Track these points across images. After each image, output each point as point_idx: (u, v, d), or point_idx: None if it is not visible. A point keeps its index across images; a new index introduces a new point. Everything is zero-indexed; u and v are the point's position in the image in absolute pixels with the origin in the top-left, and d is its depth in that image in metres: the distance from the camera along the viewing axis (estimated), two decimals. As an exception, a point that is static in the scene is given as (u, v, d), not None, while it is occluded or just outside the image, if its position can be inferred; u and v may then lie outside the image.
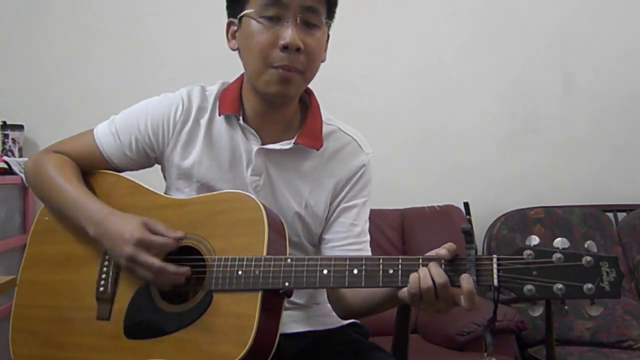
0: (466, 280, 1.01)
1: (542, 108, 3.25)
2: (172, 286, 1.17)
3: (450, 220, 2.86)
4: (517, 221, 2.96)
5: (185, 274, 1.15)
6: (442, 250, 1.05)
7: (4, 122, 2.79)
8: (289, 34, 1.17)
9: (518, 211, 3.01)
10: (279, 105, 1.28)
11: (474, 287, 1.02)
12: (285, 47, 1.17)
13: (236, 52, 1.30)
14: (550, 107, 3.26)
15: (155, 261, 1.14)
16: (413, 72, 3.15)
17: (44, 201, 1.34)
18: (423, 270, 1.04)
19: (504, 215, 3.02)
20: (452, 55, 3.18)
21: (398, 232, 2.91)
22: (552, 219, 2.97)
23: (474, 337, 2.39)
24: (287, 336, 1.28)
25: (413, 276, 1.04)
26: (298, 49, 1.18)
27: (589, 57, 3.27)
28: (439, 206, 2.98)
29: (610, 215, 3.11)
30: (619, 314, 2.68)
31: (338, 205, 1.34)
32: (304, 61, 1.20)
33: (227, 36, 1.29)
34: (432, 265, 1.04)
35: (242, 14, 1.22)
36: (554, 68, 3.26)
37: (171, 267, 1.14)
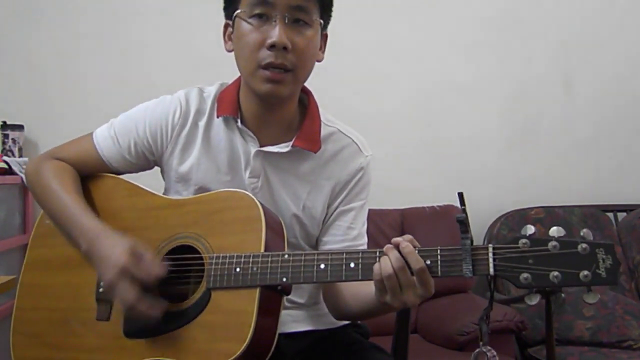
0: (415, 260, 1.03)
1: (542, 109, 3.26)
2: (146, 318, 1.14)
3: (450, 220, 2.85)
4: (517, 221, 2.96)
5: (157, 316, 1.13)
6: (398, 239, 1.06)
7: (4, 122, 2.79)
8: (275, 32, 1.17)
9: (518, 211, 3.01)
10: (275, 106, 1.28)
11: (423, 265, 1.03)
12: (272, 46, 1.18)
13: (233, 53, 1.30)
14: (551, 108, 3.26)
15: (132, 294, 1.11)
16: (414, 73, 3.16)
17: (43, 209, 1.34)
18: (384, 259, 1.04)
19: (504, 215, 3.02)
20: (452, 57, 3.19)
21: (398, 232, 2.91)
22: (552, 219, 2.97)
23: (474, 337, 2.39)
24: (287, 335, 1.28)
25: (375, 266, 1.05)
26: (285, 48, 1.18)
27: (588, 58, 3.28)
28: (439, 206, 2.98)
29: (610, 215, 3.12)
30: (619, 314, 2.68)
31: (336, 208, 1.33)
32: (293, 60, 1.20)
33: (224, 38, 1.30)
34: (389, 250, 1.04)
35: (234, 14, 1.23)
36: (554, 69, 3.27)
37: (144, 305, 1.12)
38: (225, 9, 1.29)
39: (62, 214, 1.26)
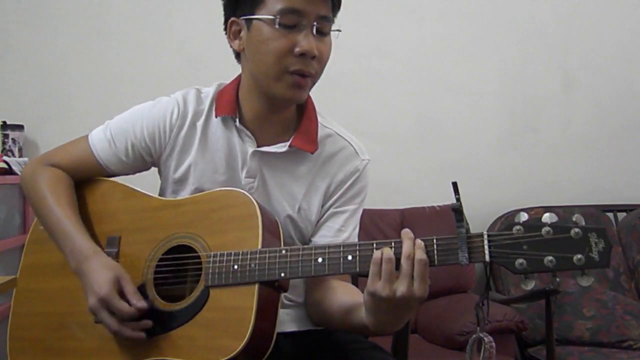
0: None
1: (542, 108, 3.26)
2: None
3: (450, 220, 2.84)
4: (517, 221, 2.95)
5: (139, 339, 1.15)
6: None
7: (4, 122, 2.79)
8: (307, 42, 1.19)
9: (518, 211, 2.99)
10: (282, 108, 1.29)
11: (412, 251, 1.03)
12: (301, 54, 1.19)
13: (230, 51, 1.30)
14: (550, 107, 3.26)
15: (113, 323, 1.14)
16: (412, 71, 3.16)
17: (37, 218, 1.35)
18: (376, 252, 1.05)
19: (504, 215, 3.02)
20: (451, 55, 3.19)
21: (398, 232, 2.85)
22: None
23: (474, 337, 2.39)
24: (286, 335, 1.28)
25: (376, 251, 1.05)
26: (313, 57, 1.20)
27: (589, 56, 3.27)
28: (439, 206, 2.97)
29: (610, 215, 3.12)
30: (619, 314, 2.68)
31: (328, 209, 1.33)
32: (316, 67, 1.23)
33: (229, 35, 1.29)
34: (406, 238, 1.05)
35: (253, 17, 1.21)
36: (554, 68, 3.26)
37: (125, 332, 1.14)
38: (230, 6, 1.27)
39: (54, 228, 1.27)
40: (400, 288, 1.02)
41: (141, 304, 1.15)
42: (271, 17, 1.19)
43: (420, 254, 1.03)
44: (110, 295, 1.14)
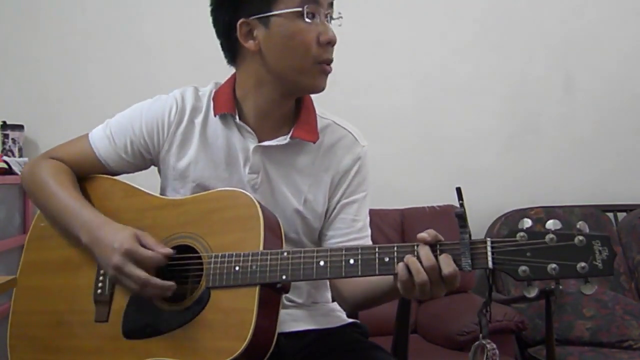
0: (446, 263, 1.02)
1: (543, 109, 3.26)
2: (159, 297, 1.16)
3: (450, 220, 2.83)
4: (517, 221, 2.90)
5: (170, 288, 1.14)
6: (423, 234, 1.06)
7: (4, 122, 2.80)
8: (328, 30, 1.23)
9: (518, 211, 3.01)
10: (290, 101, 1.30)
11: (455, 270, 1.03)
12: (328, 43, 1.22)
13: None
14: (551, 108, 3.26)
15: (141, 274, 1.13)
16: (414, 73, 3.16)
17: (39, 207, 1.34)
18: (410, 258, 1.05)
19: (504, 215, 3.02)
20: (452, 57, 3.19)
21: (398, 232, 2.91)
22: (551, 219, 2.96)
23: (474, 337, 2.37)
24: (287, 335, 1.28)
25: (400, 265, 1.05)
26: (334, 44, 1.24)
27: (589, 58, 3.27)
28: (439, 206, 2.98)
29: (610, 215, 3.12)
30: (619, 314, 2.68)
31: (338, 202, 1.34)
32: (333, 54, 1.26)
33: (241, 38, 1.25)
34: (420, 249, 1.05)
35: (270, 14, 1.21)
36: (555, 69, 3.26)
37: (156, 281, 1.13)
38: (235, 8, 1.25)
39: (60, 209, 1.27)
40: (438, 293, 1.05)
41: (166, 250, 1.16)
42: (296, 9, 1.20)
43: (428, 262, 1.04)
44: (134, 246, 1.14)
